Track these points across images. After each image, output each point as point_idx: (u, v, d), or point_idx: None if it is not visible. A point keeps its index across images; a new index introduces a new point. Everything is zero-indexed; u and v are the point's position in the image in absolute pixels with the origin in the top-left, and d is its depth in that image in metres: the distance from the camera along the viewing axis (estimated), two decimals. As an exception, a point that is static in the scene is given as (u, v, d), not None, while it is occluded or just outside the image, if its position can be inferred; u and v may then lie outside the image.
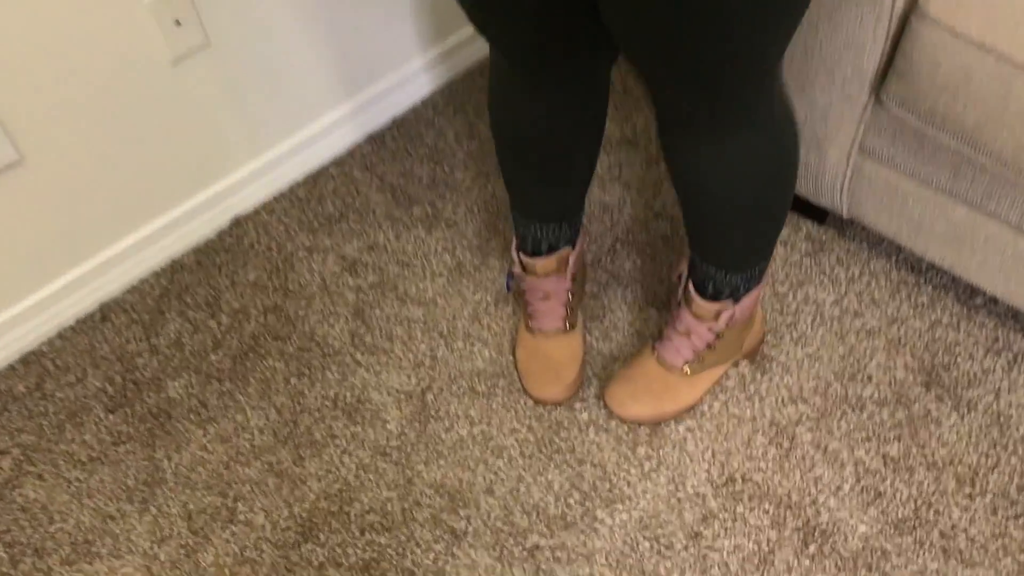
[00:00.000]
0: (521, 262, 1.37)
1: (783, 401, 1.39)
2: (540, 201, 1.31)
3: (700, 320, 1.32)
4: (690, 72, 0.95)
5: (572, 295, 1.40)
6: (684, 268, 1.34)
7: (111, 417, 1.47)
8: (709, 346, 1.35)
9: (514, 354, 1.46)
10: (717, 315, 1.31)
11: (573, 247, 1.37)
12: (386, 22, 1.72)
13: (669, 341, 1.38)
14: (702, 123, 1.04)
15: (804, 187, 1.50)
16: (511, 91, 1.17)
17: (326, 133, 1.75)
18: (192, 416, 1.46)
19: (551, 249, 1.36)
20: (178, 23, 1.44)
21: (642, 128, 1.76)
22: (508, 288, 1.44)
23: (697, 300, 1.30)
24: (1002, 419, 1.35)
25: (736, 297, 1.30)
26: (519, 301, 1.43)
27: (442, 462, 1.38)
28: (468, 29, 1.87)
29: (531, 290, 1.40)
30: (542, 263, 1.35)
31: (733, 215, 1.17)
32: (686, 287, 1.32)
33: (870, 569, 1.23)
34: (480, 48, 1.90)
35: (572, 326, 1.42)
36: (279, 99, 1.65)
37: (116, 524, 1.36)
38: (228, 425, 1.45)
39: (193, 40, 1.47)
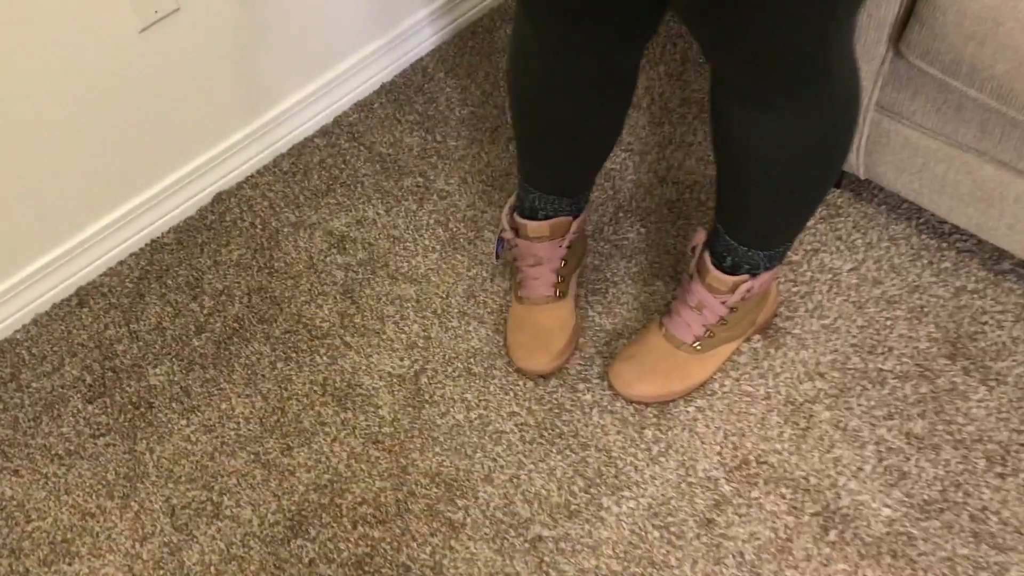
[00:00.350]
0: (514, 224, 1.29)
1: (799, 377, 1.31)
2: (550, 173, 1.23)
3: (714, 293, 1.24)
4: (750, 49, 0.92)
5: (565, 263, 1.32)
6: (700, 240, 1.25)
7: (90, 408, 1.40)
8: (721, 321, 1.27)
9: (506, 325, 1.39)
10: (733, 288, 1.22)
11: (575, 218, 1.29)
12: (370, -18, 1.62)
13: (678, 316, 1.29)
14: (758, 93, 0.99)
15: (818, 147, 1.40)
16: (535, 52, 1.10)
17: (311, 101, 1.66)
18: (174, 405, 1.39)
19: (547, 217, 1.27)
20: (144, -13, 1.35)
21: (645, 88, 1.66)
22: (497, 256, 1.36)
23: (713, 272, 1.22)
24: (1034, 392, 1.26)
25: (754, 273, 1.22)
26: (511, 272, 1.35)
27: (438, 449, 1.31)
28: (458, -13, 1.76)
29: (522, 256, 1.31)
30: (534, 226, 1.27)
31: (771, 188, 1.09)
32: (700, 258, 1.24)
33: (895, 556, 1.16)
34: (471, 7, 1.80)
35: (563, 295, 1.34)
36: (257, 67, 1.56)
37: (96, 521, 1.29)
38: (212, 414, 1.37)
39: (161, 5, 1.38)
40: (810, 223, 1.45)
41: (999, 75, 1.11)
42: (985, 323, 1.33)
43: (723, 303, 1.24)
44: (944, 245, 1.41)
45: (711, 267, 1.22)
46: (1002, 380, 1.27)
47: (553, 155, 1.22)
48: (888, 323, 1.34)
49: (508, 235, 1.31)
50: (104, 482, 1.33)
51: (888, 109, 1.30)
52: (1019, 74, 1.09)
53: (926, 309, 1.35)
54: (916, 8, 1.15)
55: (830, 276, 1.40)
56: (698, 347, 1.29)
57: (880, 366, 1.31)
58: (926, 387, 1.28)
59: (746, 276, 1.22)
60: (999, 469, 1.21)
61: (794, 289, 1.39)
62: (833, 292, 1.38)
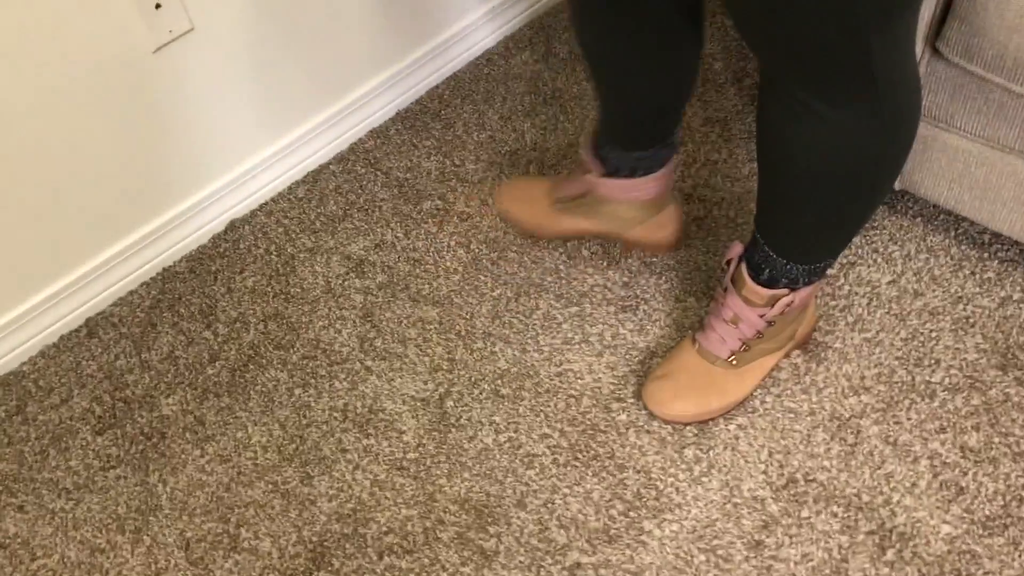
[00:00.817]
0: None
1: (843, 392, 1.25)
2: (625, 124, 1.25)
3: (751, 306, 1.18)
4: (784, 43, 0.90)
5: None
6: (736, 253, 1.20)
7: (99, 440, 1.33)
8: (758, 334, 1.21)
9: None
10: (771, 302, 1.17)
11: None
12: (387, 11, 1.60)
13: (712, 331, 1.24)
14: (798, 92, 0.95)
15: (851, 157, 1.36)
16: (595, 12, 1.12)
17: (326, 128, 1.63)
18: (188, 435, 1.32)
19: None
20: (158, 6, 1.32)
21: (665, 108, 1.63)
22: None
23: (750, 284, 1.17)
24: (1091, 401, 1.20)
25: (794, 287, 1.17)
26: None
27: (466, 475, 1.24)
28: (470, 18, 1.74)
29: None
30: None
31: (811, 198, 1.05)
32: (737, 270, 1.19)
33: (959, 575, 1.09)
34: (485, 36, 1.78)
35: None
36: (271, 92, 1.53)
37: (106, 557, 1.22)
38: (228, 443, 1.31)
39: (175, 25, 1.35)
40: (844, 237, 1.40)
41: (1046, 67, 1.07)
42: (1034, 333, 1.27)
43: (761, 316, 1.19)
44: (985, 255, 1.36)
45: (748, 279, 1.17)
46: (1057, 390, 1.22)
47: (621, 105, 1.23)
48: (933, 335, 1.29)
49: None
50: (114, 516, 1.26)
51: (925, 114, 1.26)
52: (1067, 65, 1.05)
53: (971, 320, 1.30)
54: (954, 5, 1.12)
55: (869, 289, 1.35)
56: (734, 362, 1.23)
57: (928, 379, 1.25)
58: (978, 399, 1.22)
59: (785, 290, 1.17)
60: (1062, 482, 1.14)
61: (832, 303, 1.34)
62: (873, 305, 1.33)
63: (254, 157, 1.57)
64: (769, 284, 1.18)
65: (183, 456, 1.30)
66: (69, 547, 1.24)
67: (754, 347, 1.23)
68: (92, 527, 1.25)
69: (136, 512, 1.26)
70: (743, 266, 1.18)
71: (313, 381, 1.36)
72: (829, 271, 1.36)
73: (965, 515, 1.13)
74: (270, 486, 1.26)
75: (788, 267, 1.15)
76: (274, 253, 1.52)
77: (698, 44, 1.18)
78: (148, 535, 1.23)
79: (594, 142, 1.32)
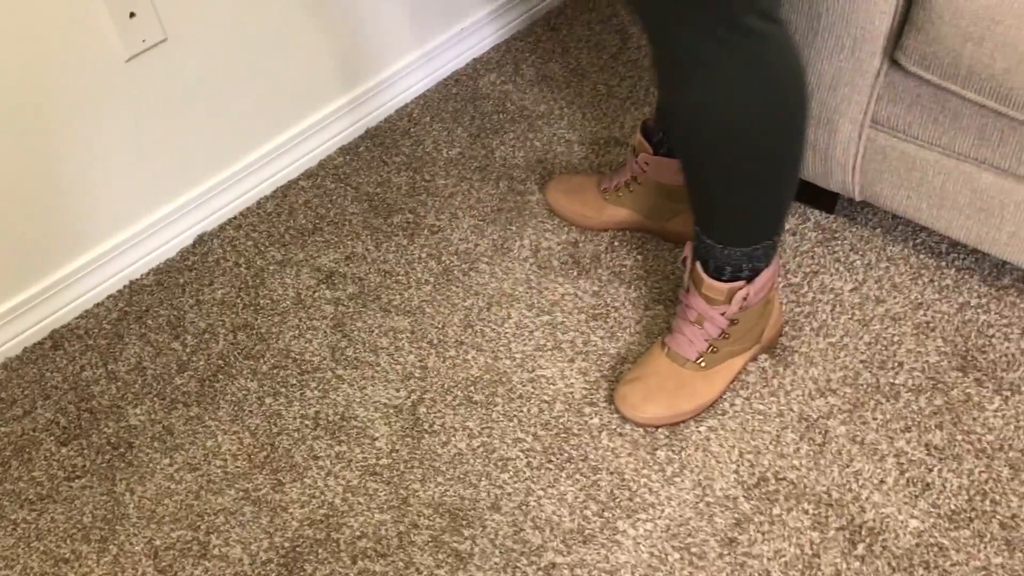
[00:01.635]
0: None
1: (810, 394, 1.27)
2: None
3: (712, 304, 1.21)
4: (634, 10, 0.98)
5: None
6: (688, 251, 1.23)
7: (64, 450, 1.31)
8: (723, 335, 1.24)
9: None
10: (729, 297, 1.20)
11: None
12: (357, 30, 1.62)
13: (680, 333, 1.26)
14: (661, 58, 1.02)
15: (812, 169, 1.40)
16: None
17: (295, 143, 1.64)
18: (156, 444, 1.31)
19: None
20: (132, 15, 1.33)
21: (631, 127, 1.66)
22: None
23: (707, 280, 1.19)
24: (1049, 400, 1.24)
25: (748, 279, 1.20)
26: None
27: (440, 479, 1.24)
28: (438, 39, 1.77)
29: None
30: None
31: (716, 164, 1.08)
32: (693, 269, 1.22)
33: (928, 567, 1.10)
34: (454, 57, 1.81)
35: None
36: (242, 105, 1.54)
37: (70, 567, 1.19)
38: (197, 452, 1.29)
39: (149, 34, 1.36)
40: (807, 247, 1.44)
41: (998, 74, 1.12)
42: (992, 336, 1.31)
43: (722, 314, 1.22)
44: (943, 263, 1.40)
45: (703, 274, 1.20)
46: (1016, 390, 1.25)
47: None
48: (895, 339, 1.32)
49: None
50: (79, 526, 1.23)
51: (883, 124, 1.31)
52: (1018, 72, 1.10)
53: (932, 324, 1.33)
54: (911, 14, 1.16)
55: (832, 296, 1.38)
56: (702, 363, 1.25)
57: (892, 380, 1.28)
58: (940, 399, 1.25)
59: (741, 283, 1.20)
60: (1024, 476, 1.17)
61: (797, 310, 1.37)
62: (837, 311, 1.36)
63: (224, 171, 1.57)
64: (719, 276, 1.20)
65: (151, 465, 1.28)
66: (32, 558, 1.21)
67: (721, 349, 1.25)
68: (56, 537, 1.22)
69: (102, 521, 1.23)
70: (698, 264, 1.21)
71: (284, 390, 1.35)
72: (789, 276, 1.39)
73: (932, 510, 1.15)
74: (241, 493, 1.24)
75: (726, 253, 1.17)
76: (243, 266, 1.52)
77: None
78: (115, 544, 1.21)
79: (647, 124, 1.39)
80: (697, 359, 1.25)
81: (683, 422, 1.26)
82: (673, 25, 0.98)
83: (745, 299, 1.20)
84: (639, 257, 1.46)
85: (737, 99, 1.02)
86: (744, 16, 0.96)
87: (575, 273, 1.45)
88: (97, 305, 1.49)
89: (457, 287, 1.45)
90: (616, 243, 1.48)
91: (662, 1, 0.96)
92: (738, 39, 0.98)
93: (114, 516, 1.24)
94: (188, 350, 1.41)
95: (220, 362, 1.39)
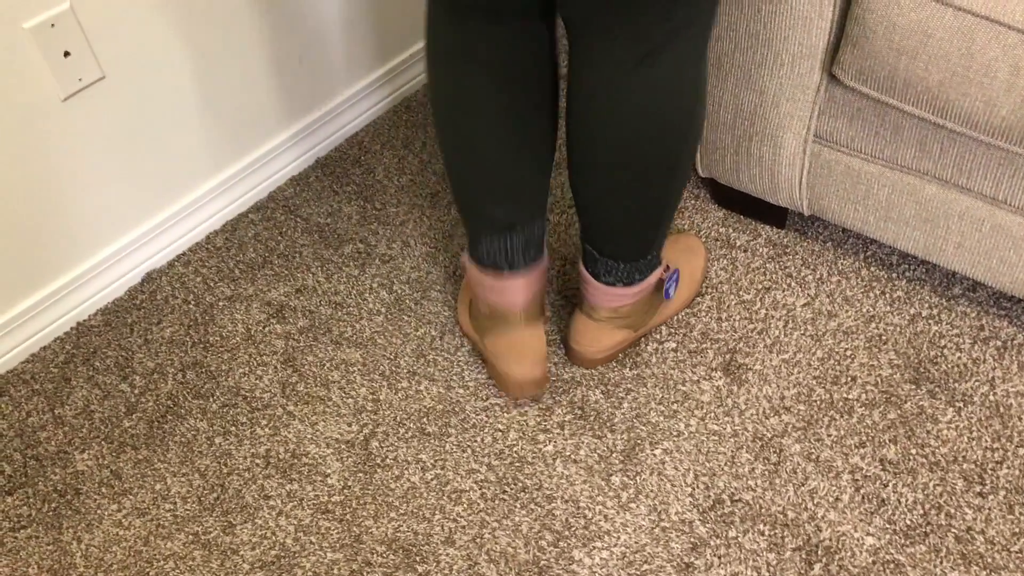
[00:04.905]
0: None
1: (765, 412, 1.27)
2: (495, 196, 1.16)
3: (609, 296, 1.25)
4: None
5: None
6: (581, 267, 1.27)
7: (9, 500, 1.28)
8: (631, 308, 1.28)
9: (481, 347, 1.31)
10: (621, 298, 1.24)
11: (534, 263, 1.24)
12: (307, 57, 1.61)
13: (593, 298, 1.27)
14: (619, 52, 1.00)
15: (760, 185, 1.40)
16: (455, 44, 1.06)
17: (243, 176, 1.62)
18: (104, 490, 1.28)
19: (511, 267, 1.22)
20: (67, 54, 1.31)
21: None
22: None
23: (598, 285, 1.23)
24: (1001, 409, 1.24)
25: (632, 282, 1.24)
26: (472, 308, 1.31)
27: (393, 514, 1.22)
28: (390, 64, 1.76)
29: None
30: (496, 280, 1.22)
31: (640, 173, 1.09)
32: (583, 283, 1.25)
33: (885, 585, 1.10)
34: (406, 82, 1.80)
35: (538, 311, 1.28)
36: (187, 140, 1.52)
37: (16, 622, 1.17)
38: (146, 496, 1.27)
39: (85, 73, 1.34)
40: (758, 263, 1.43)
41: (933, 87, 1.12)
42: (944, 347, 1.31)
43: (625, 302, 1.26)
44: (894, 275, 1.40)
45: (594, 281, 1.23)
46: (968, 400, 1.25)
47: (489, 165, 1.16)
48: (848, 353, 1.32)
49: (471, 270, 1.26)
50: (25, 578, 1.20)
51: (827, 139, 1.31)
52: (952, 84, 1.10)
53: (884, 337, 1.33)
54: (847, 29, 1.17)
55: (785, 312, 1.37)
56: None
57: (845, 396, 1.27)
58: (894, 413, 1.25)
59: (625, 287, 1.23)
60: (978, 488, 1.17)
61: (750, 326, 1.36)
62: (790, 327, 1.36)
63: (170, 207, 1.55)
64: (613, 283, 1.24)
65: (99, 512, 1.26)
66: (-24, 613, 1.18)
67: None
68: (1, 591, 1.19)
69: (48, 572, 1.20)
70: (587, 274, 1.24)
71: (234, 429, 1.33)
72: (743, 294, 1.39)
73: (887, 526, 1.14)
74: (190, 537, 1.22)
75: (617, 267, 1.21)
76: (192, 303, 1.50)
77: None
78: (61, 595, 1.18)
79: None
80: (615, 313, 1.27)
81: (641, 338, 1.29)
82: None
83: (641, 290, 1.25)
84: (591, 280, 1.45)
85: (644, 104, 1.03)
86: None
87: (527, 298, 1.43)
88: (44, 348, 1.46)
89: (409, 317, 1.44)
90: (567, 267, 1.47)
91: None
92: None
93: (61, 567, 1.21)
94: (137, 391, 1.39)
95: (169, 402, 1.37)
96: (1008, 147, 1.12)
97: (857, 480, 1.19)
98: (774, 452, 1.23)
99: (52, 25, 1.27)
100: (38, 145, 1.34)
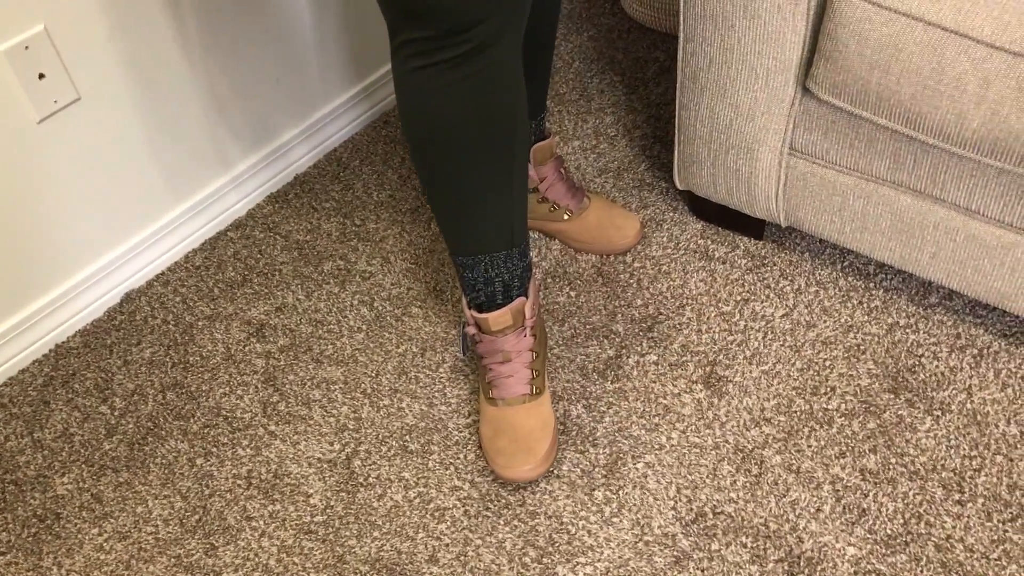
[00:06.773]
0: (476, 321, 1.23)
1: (746, 424, 1.27)
2: (481, 216, 1.15)
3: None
4: None
5: (535, 355, 1.26)
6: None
7: (-12, 526, 1.27)
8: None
9: (478, 432, 1.29)
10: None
11: (526, 295, 1.24)
12: (285, 74, 1.61)
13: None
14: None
15: (737, 197, 1.41)
16: (428, 68, 1.05)
17: (221, 194, 1.62)
18: (84, 514, 1.27)
19: (505, 294, 1.21)
20: (42, 76, 1.31)
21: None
22: (463, 352, 1.31)
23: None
24: (979, 417, 1.25)
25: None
26: (480, 371, 1.28)
27: (376, 533, 1.22)
28: (370, 78, 1.76)
29: (489, 353, 1.25)
30: (495, 316, 1.21)
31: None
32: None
33: (867, 595, 1.10)
34: (384, 98, 1.80)
35: (539, 391, 1.26)
36: (164, 159, 1.52)
37: (-4, 650, 1.16)
38: (127, 519, 1.26)
39: (61, 95, 1.33)
40: (737, 275, 1.44)
41: (905, 100, 1.13)
42: (921, 355, 1.32)
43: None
44: (871, 285, 1.41)
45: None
46: (947, 408, 1.26)
47: (473, 184, 1.14)
48: (827, 364, 1.33)
49: (472, 330, 1.24)
50: (5, 605, 1.19)
51: (802, 151, 1.32)
52: (924, 97, 1.12)
53: (862, 347, 1.34)
54: (819, 44, 1.18)
55: (764, 323, 1.38)
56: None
57: (825, 406, 1.28)
58: (873, 422, 1.26)
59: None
60: (957, 496, 1.18)
61: (730, 338, 1.37)
62: (769, 339, 1.36)
63: (148, 227, 1.54)
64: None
65: (79, 536, 1.25)
66: (-44, 642, 1.17)
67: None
68: (-19, 618, 1.18)
69: (29, 599, 1.20)
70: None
71: (215, 449, 1.32)
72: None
73: (868, 536, 1.15)
74: (172, 560, 1.21)
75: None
76: (172, 323, 1.49)
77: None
78: (42, 622, 1.17)
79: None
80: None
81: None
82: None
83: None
84: (571, 294, 1.45)
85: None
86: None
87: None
88: (22, 371, 1.45)
89: (390, 333, 1.44)
90: (549, 280, 1.47)
91: None
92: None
93: (41, 592, 1.20)
94: (117, 413, 1.38)
95: (150, 424, 1.36)
96: (979, 158, 1.13)
97: (838, 490, 1.20)
98: (755, 464, 1.23)
99: (26, 47, 1.27)
100: (14, 167, 1.33)
